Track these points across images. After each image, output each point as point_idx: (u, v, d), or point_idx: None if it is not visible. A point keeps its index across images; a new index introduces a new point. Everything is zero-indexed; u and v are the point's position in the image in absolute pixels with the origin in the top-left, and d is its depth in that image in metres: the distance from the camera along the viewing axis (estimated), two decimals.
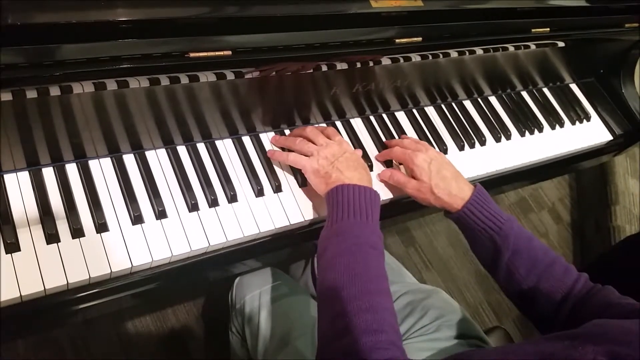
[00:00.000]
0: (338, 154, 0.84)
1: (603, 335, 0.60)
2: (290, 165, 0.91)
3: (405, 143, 0.94)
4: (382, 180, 0.95)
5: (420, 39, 0.88)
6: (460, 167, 1.04)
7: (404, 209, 0.99)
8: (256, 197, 0.86)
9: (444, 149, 1.06)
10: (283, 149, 0.91)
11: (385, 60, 0.90)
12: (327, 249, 0.72)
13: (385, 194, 0.95)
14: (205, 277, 0.86)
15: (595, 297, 0.75)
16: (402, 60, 0.91)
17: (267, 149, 0.91)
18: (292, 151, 0.89)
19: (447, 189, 0.85)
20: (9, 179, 0.74)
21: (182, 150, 0.86)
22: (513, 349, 0.68)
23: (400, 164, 0.96)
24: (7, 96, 0.62)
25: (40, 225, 0.71)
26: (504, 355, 0.75)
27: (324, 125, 0.99)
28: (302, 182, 0.90)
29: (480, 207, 0.83)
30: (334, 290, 0.67)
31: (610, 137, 1.30)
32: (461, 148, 1.08)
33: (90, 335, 1.34)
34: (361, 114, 1.03)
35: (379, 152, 1.00)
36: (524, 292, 0.81)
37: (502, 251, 0.81)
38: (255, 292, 0.97)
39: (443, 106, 1.13)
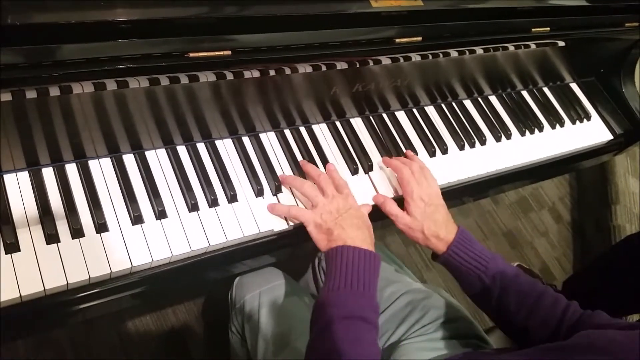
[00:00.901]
0: (343, 209, 0.82)
1: (589, 346, 0.62)
2: (290, 167, 0.91)
3: (414, 168, 0.93)
4: (374, 201, 0.93)
5: (420, 38, 0.88)
6: (461, 167, 1.05)
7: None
8: (256, 197, 0.86)
9: (444, 149, 1.06)
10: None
11: (385, 60, 0.89)
12: (320, 317, 0.72)
13: (391, 193, 0.96)
14: (205, 277, 0.86)
15: (586, 323, 0.76)
16: (402, 60, 0.91)
17: (267, 149, 0.91)
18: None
19: (437, 232, 0.86)
20: (9, 179, 0.74)
21: (182, 150, 0.86)
22: (504, 359, 0.69)
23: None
24: (6, 96, 0.62)
25: (40, 226, 0.71)
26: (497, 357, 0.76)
27: (323, 126, 0.99)
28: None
29: (464, 249, 0.85)
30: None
31: (610, 137, 1.30)
32: (461, 148, 1.08)
33: (90, 335, 1.34)
34: (361, 113, 1.03)
35: (379, 151, 1.00)
36: (517, 327, 0.82)
37: (491, 289, 0.83)
38: (255, 292, 0.97)
39: (443, 106, 1.13)
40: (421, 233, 0.87)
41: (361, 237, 0.80)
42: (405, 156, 1.00)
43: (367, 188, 0.95)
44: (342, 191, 0.86)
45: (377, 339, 0.72)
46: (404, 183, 0.91)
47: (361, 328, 0.70)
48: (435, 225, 0.87)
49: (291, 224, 0.86)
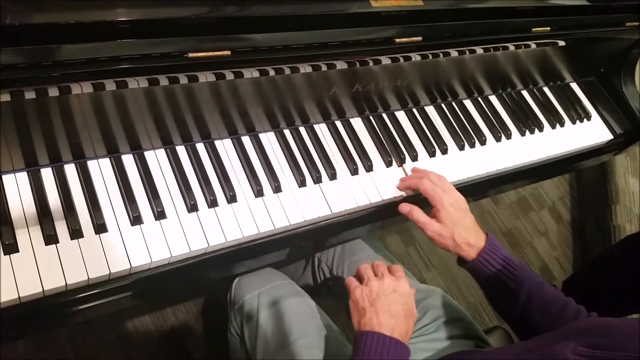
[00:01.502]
0: (386, 290, 0.80)
1: (585, 329, 0.63)
2: (290, 166, 0.91)
3: (432, 177, 0.92)
4: (400, 211, 0.92)
5: (420, 38, 0.88)
6: (461, 167, 1.04)
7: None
8: (255, 197, 0.86)
9: (444, 149, 1.06)
10: None
11: (385, 60, 0.89)
12: None
13: (392, 193, 0.96)
14: (205, 278, 0.86)
15: None
16: (402, 60, 0.91)
17: (266, 148, 0.91)
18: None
19: (468, 238, 0.86)
20: (8, 179, 0.73)
21: (181, 151, 0.86)
22: (500, 350, 0.70)
23: (420, 195, 0.93)
24: (5, 97, 0.62)
25: (39, 226, 0.71)
26: (493, 355, 0.76)
27: (323, 126, 0.98)
28: (302, 182, 0.90)
29: (494, 255, 0.85)
30: None
31: (610, 136, 1.30)
32: (461, 148, 1.08)
33: (90, 336, 1.34)
34: (361, 113, 1.03)
35: (378, 151, 1.00)
36: (537, 335, 0.82)
37: (518, 296, 0.83)
38: (254, 293, 0.96)
39: (443, 105, 1.13)
40: (452, 240, 0.86)
41: (392, 326, 0.76)
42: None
43: (367, 188, 0.94)
44: (395, 274, 0.84)
45: None
46: (430, 193, 0.89)
47: None
48: (466, 231, 0.86)
49: (291, 223, 0.86)
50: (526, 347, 0.69)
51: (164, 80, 0.71)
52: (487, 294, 0.89)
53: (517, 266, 0.84)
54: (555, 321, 0.80)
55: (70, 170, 0.78)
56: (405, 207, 0.91)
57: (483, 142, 1.11)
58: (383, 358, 0.73)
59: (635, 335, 0.58)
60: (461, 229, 0.86)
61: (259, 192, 0.86)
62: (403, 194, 0.96)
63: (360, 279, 0.84)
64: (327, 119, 0.99)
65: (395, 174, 0.98)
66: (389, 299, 0.79)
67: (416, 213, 0.90)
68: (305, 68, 0.82)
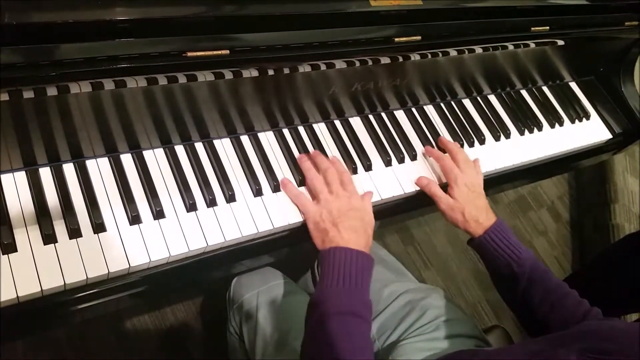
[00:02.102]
0: (344, 209, 0.83)
1: (589, 333, 0.64)
2: (289, 165, 0.91)
3: (459, 157, 0.98)
4: (417, 184, 0.97)
5: (419, 37, 0.88)
6: None
7: (408, 208, 0.99)
8: (254, 196, 0.86)
9: (442, 148, 1.05)
10: None
11: (384, 59, 0.89)
12: (313, 314, 0.74)
13: (391, 192, 0.96)
14: (204, 277, 0.86)
15: None
16: (401, 59, 0.91)
17: (265, 148, 0.91)
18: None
19: (477, 216, 0.92)
20: (6, 179, 0.73)
21: (180, 150, 0.86)
22: (503, 351, 0.70)
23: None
24: (4, 96, 0.61)
25: (37, 226, 0.71)
26: (495, 356, 0.76)
27: (322, 125, 0.98)
28: (301, 182, 0.90)
29: (500, 236, 0.89)
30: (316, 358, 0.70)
31: (609, 136, 1.30)
32: (460, 147, 1.08)
33: (89, 335, 1.34)
34: (360, 113, 1.02)
35: (377, 151, 1.00)
36: (537, 322, 0.84)
37: (519, 278, 0.86)
38: (253, 292, 0.96)
39: (442, 105, 1.13)
40: (462, 215, 0.91)
41: (355, 240, 0.80)
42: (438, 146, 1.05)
43: (367, 187, 0.94)
44: (347, 188, 0.87)
45: (369, 333, 0.73)
46: (446, 170, 0.96)
47: (352, 322, 0.71)
48: (477, 210, 0.92)
49: (290, 223, 0.85)
50: (529, 349, 0.68)
51: (162, 80, 0.71)
52: (491, 275, 0.92)
53: (522, 250, 0.88)
54: (554, 309, 0.82)
55: (69, 169, 0.77)
56: (423, 180, 0.97)
57: (482, 141, 1.11)
58: (352, 269, 0.76)
59: None
60: (472, 208, 0.91)
61: (257, 192, 0.86)
62: (402, 193, 0.96)
63: (312, 192, 0.86)
64: (326, 118, 0.99)
65: (393, 173, 0.98)
66: (348, 217, 0.82)
67: (433, 187, 0.95)
68: (304, 67, 0.82)
